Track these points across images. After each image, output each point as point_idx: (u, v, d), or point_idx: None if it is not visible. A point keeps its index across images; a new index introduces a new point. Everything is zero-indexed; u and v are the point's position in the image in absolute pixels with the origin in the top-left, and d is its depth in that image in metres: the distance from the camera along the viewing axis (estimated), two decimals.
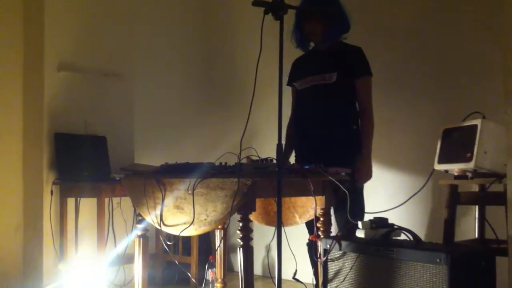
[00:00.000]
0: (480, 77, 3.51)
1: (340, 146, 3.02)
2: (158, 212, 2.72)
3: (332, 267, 2.58)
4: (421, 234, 2.53)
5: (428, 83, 3.77)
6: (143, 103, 4.52)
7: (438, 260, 2.16)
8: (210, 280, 3.37)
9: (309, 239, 2.97)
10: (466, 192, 3.04)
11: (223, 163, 2.56)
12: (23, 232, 3.82)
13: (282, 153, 2.26)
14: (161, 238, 3.95)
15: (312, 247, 2.85)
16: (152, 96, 4.68)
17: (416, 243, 2.43)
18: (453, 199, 3.00)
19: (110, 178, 3.73)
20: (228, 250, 4.65)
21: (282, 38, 2.26)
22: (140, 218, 2.94)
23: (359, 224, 2.52)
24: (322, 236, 2.76)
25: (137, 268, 2.97)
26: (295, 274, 2.81)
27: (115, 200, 3.86)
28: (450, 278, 2.13)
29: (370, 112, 3.06)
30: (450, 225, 2.97)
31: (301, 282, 2.87)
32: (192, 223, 2.53)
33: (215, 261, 3.28)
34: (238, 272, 2.48)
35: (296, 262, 2.81)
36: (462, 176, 2.92)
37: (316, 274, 2.82)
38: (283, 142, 2.28)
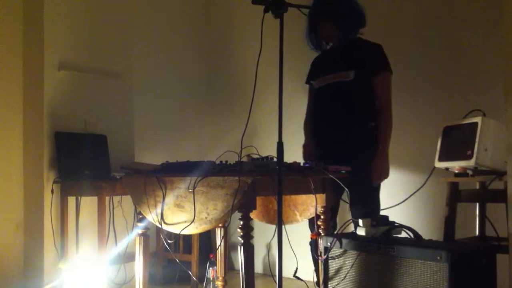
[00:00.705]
0: (480, 75, 3.51)
1: (358, 144, 3.02)
2: (158, 210, 2.72)
3: (333, 265, 2.59)
4: (422, 232, 2.53)
5: (429, 80, 3.77)
6: (143, 102, 4.52)
7: (438, 258, 2.17)
8: (211, 278, 3.37)
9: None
10: (466, 190, 3.04)
11: (223, 162, 2.57)
12: (23, 230, 3.82)
13: (282, 152, 2.25)
14: (161, 237, 3.96)
15: (314, 245, 2.85)
16: (152, 95, 4.68)
17: (416, 240, 2.44)
18: (453, 197, 3.00)
19: (110, 177, 3.73)
20: (229, 248, 4.66)
21: (282, 36, 2.25)
22: (140, 216, 2.94)
23: (360, 222, 2.53)
24: (322, 234, 2.77)
25: (138, 266, 2.97)
26: (295, 272, 2.82)
27: (116, 198, 3.87)
28: (450, 276, 2.14)
29: (388, 109, 3.05)
30: (450, 222, 2.97)
31: (302, 280, 2.88)
32: (192, 221, 2.53)
33: (216, 259, 3.28)
34: (238, 270, 2.48)
35: (297, 260, 2.81)
36: (462, 173, 2.92)
37: (317, 272, 2.82)
38: (283, 140, 2.26)
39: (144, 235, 2.97)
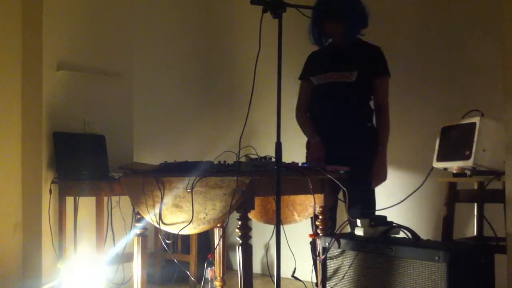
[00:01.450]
0: (478, 75, 3.52)
1: (358, 144, 3.03)
2: (157, 210, 2.72)
3: (331, 265, 2.59)
4: (420, 232, 2.53)
5: (427, 81, 3.77)
6: (142, 102, 4.52)
7: (437, 258, 2.17)
8: (209, 279, 3.37)
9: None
10: (464, 190, 3.05)
11: (222, 162, 2.56)
12: (22, 230, 3.81)
13: (280, 152, 2.25)
14: (160, 237, 3.95)
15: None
16: (151, 95, 4.68)
17: (415, 240, 2.44)
18: (451, 197, 3.01)
19: (109, 177, 3.73)
20: (227, 248, 4.65)
21: (281, 36, 2.25)
22: (139, 216, 2.94)
23: (358, 222, 2.53)
24: (321, 234, 2.77)
25: (136, 266, 2.97)
26: (294, 272, 2.81)
27: (114, 199, 3.86)
28: (449, 276, 2.14)
29: (386, 110, 3.09)
30: (448, 222, 2.98)
31: (300, 280, 2.88)
32: (191, 221, 2.53)
33: (214, 260, 3.27)
34: (237, 271, 2.48)
35: (295, 260, 2.81)
36: (460, 173, 2.93)
37: (316, 272, 2.82)
38: (281, 141, 2.26)
39: (142, 235, 2.97)
